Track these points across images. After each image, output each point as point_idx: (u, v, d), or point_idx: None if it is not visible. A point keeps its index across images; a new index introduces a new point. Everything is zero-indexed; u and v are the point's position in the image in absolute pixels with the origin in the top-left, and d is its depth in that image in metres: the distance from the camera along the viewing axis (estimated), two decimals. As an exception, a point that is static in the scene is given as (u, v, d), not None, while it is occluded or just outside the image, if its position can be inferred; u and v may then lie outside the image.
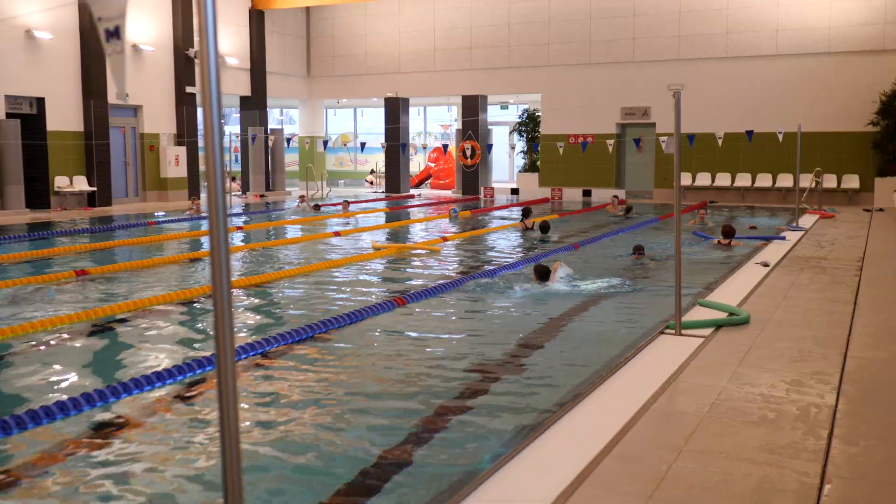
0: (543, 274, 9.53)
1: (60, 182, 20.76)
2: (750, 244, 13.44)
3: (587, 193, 26.23)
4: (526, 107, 31.37)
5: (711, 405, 4.99)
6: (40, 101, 20.37)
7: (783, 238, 14.18)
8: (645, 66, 25.47)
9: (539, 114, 28.40)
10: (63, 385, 5.85)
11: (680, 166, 6.99)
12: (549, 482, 3.84)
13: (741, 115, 23.96)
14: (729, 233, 13.38)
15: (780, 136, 23.02)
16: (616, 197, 22.05)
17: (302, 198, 20.39)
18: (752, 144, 23.57)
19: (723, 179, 24.71)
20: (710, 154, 24.49)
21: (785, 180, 23.86)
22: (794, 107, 23.20)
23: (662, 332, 6.88)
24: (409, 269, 11.54)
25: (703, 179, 24.88)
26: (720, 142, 23.68)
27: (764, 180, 24.23)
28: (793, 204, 19.91)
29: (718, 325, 7.13)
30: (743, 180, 24.45)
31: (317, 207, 20.83)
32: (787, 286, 9.29)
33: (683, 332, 6.83)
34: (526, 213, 16.02)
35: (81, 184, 21.20)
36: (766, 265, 10.72)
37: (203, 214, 19.49)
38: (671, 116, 21.93)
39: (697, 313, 7.64)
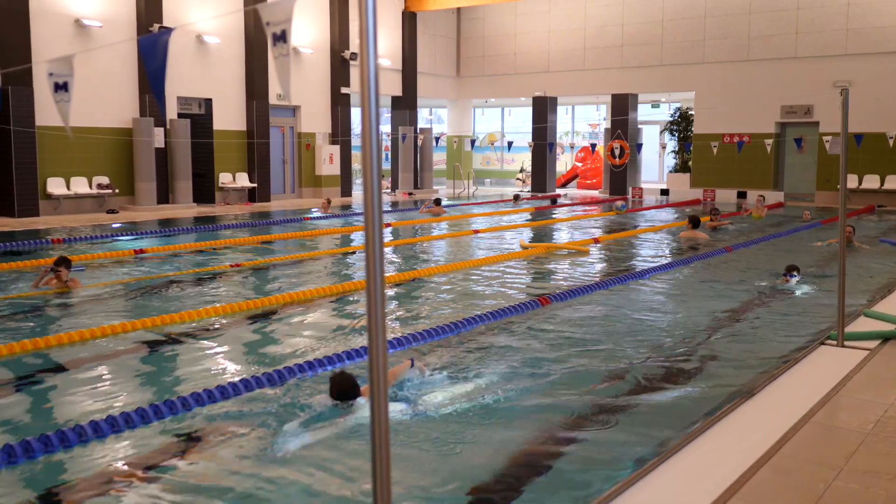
0: (344, 391, 5.09)
1: (224, 178, 22.02)
2: None
3: (742, 195, 25.18)
4: (678, 105, 30.51)
5: (876, 422, 4.69)
6: (208, 102, 21.66)
7: None
8: (808, 63, 24.18)
9: (692, 112, 27.54)
10: (220, 371, 6.20)
11: (846, 168, 6.60)
12: (699, 491, 3.73)
13: (916, 114, 22.34)
14: None
15: (961, 136, 21.33)
16: (762, 198, 19.88)
17: (414, 197, 19.83)
18: (927, 145, 21.93)
19: (893, 182, 23.10)
20: (879, 155, 22.95)
21: (965, 184, 22.08)
22: (978, 104, 21.43)
23: (823, 343, 6.53)
24: (556, 269, 11.47)
25: (871, 182, 23.33)
26: (891, 142, 22.17)
27: (940, 183, 22.49)
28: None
29: (886, 338, 6.69)
30: (916, 183, 22.80)
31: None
32: (965, 298, 8.59)
33: (846, 343, 6.46)
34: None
35: (243, 180, 22.39)
36: (941, 275, 9.95)
37: (358, 211, 20.17)
38: (836, 115, 20.81)
39: (863, 324, 7.21)
